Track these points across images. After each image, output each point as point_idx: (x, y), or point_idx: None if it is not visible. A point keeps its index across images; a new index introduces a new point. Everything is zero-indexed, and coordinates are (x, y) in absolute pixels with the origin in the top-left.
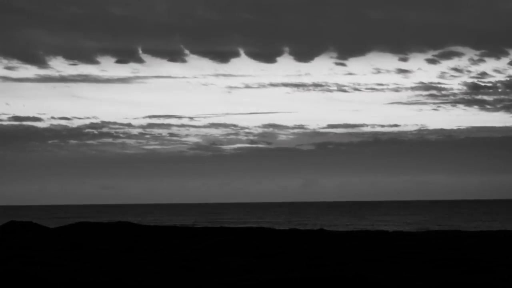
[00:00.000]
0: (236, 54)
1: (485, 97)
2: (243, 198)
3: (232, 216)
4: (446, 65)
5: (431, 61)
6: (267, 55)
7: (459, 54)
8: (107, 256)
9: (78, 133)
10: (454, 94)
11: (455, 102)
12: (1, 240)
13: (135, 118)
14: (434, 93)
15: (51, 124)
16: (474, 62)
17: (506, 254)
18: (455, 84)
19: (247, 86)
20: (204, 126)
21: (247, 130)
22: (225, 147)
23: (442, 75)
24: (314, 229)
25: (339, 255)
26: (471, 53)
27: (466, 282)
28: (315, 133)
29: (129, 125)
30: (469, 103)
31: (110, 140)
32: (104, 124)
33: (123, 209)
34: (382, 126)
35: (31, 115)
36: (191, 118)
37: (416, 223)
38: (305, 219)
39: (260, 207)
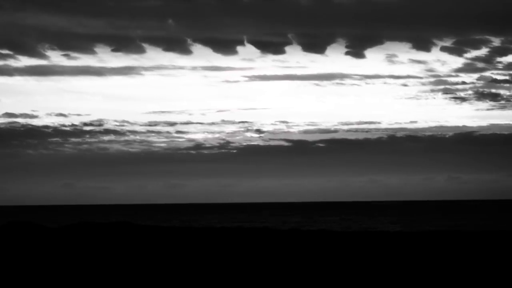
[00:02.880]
0: (240, 43)
1: (506, 92)
2: (254, 198)
3: (235, 216)
4: (467, 55)
5: (451, 51)
6: (274, 45)
7: (484, 42)
8: (107, 256)
9: (76, 130)
10: (474, 88)
11: (475, 97)
12: (1, 240)
13: (136, 114)
14: (452, 87)
15: (49, 121)
16: (498, 51)
17: (506, 254)
18: (476, 77)
19: (253, 79)
20: (210, 123)
21: (255, 127)
22: (232, 144)
23: (463, 67)
24: (314, 229)
25: (339, 255)
26: (497, 41)
27: (466, 282)
28: (326, 130)
29: (129, 121)
30: (490, 97)
31: (111, 137)
32: (103, 120)
33: (124, 209)
34: (398, 123)
35: (23, 111)
36: (194, 114)
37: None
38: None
39: (274, 208)
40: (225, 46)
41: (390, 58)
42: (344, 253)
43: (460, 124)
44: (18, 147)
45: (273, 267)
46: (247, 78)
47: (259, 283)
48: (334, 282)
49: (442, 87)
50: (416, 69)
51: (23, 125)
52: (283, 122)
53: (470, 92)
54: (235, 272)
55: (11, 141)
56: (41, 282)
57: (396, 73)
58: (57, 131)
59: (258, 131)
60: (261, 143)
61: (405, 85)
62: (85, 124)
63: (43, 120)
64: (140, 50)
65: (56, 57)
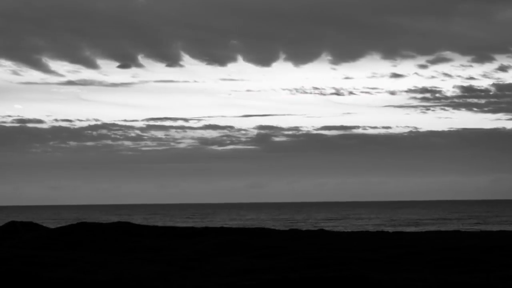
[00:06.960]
0: (234, 59)
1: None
2: (246, 199)
3: (233, 216)
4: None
5: (422, 67)
6: (263, 60)
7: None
8: (107, 256)
9: (79, 134)
10: (448, 98)
11: (449, 105)
12: (1, 240)
13: (133, 120)
14: (427, 96)
15: (53, 126)
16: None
17: (506, 254)
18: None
19: (242, 90)
20: (199, 128)
21: (243, 132)
22: (219, 148)
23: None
24: (314, 229)
25: (339, 255)
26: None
27: (465, 282)
28: (310, 135)
29: (128, 127)
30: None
31: (109, 141)
32: (104, 125)
33: (124, 209)
34: (374, 127)
35: (32, 117)
36: (196, 119)
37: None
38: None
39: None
40: (219, 61)
41: (370, 71)
42: (343, 252)
43: (455, 127)
44: (22, 149)
45: (272, 266)
46: (240, 89)
47: (257, 283)
48: (331, 282)
49: (419, 95)
50: (393, 80)
51: (29, 129)
52: (269, 127)
53: (443, 101)
54: (233, 272)
55: (16, 143)
56: (41, 282)
57: (375, 85)
58: (59, 135)
59: (244, 136)
60: (246, 147)
61: (384, 93)
62: (87, 129)
63: (49, 125)
64: (141, 66)
65: (66, 72)
